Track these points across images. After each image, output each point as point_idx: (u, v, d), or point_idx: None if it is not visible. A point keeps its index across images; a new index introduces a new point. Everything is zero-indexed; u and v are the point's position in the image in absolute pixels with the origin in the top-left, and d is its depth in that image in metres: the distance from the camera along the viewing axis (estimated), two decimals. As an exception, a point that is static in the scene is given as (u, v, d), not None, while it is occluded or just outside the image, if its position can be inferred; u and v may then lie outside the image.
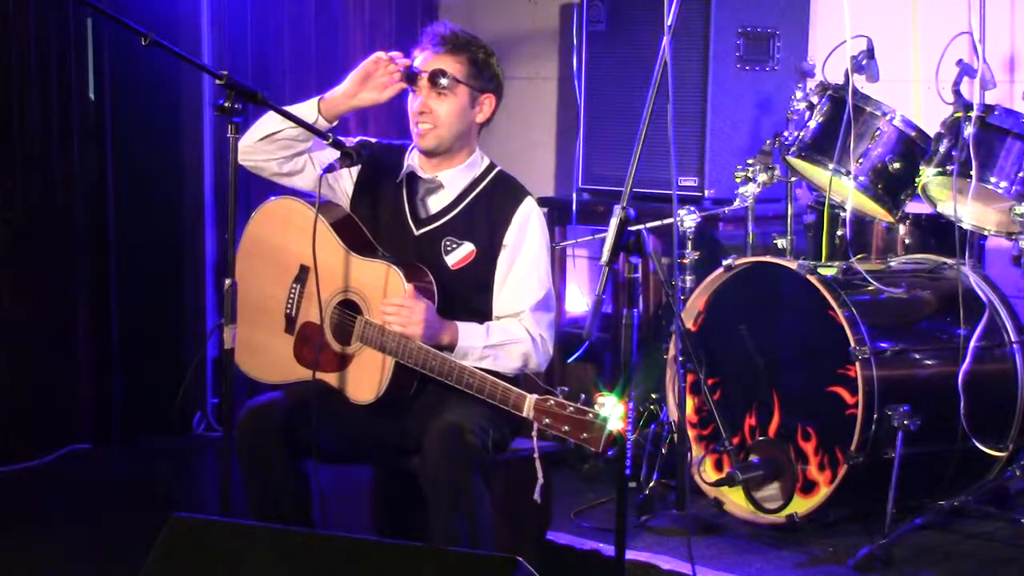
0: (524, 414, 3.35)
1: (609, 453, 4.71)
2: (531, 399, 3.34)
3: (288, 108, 3.68)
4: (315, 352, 3.70)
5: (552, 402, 3.30)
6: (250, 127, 3.72)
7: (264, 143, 3.73)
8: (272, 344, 3.81)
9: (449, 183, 3.77)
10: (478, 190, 3.76)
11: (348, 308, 3.70)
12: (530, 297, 3.69)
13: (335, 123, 3.76)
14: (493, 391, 3.42)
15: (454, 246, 3.73)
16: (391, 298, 3.57)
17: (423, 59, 3.73)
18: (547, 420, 3.30)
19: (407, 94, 3.76)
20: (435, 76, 3.68)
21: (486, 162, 3.83)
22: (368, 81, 3.72)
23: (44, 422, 5.30)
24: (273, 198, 3.90)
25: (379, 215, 3.81)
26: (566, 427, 3.27)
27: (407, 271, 3.62)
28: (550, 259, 3.79)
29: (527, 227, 3.73)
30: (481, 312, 3.71)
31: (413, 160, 3.80)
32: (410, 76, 3.71)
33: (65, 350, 5.40)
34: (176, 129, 5.69)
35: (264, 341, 3.81)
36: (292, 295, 3.82)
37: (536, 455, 3.39)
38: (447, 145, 3.73)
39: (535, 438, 3.36)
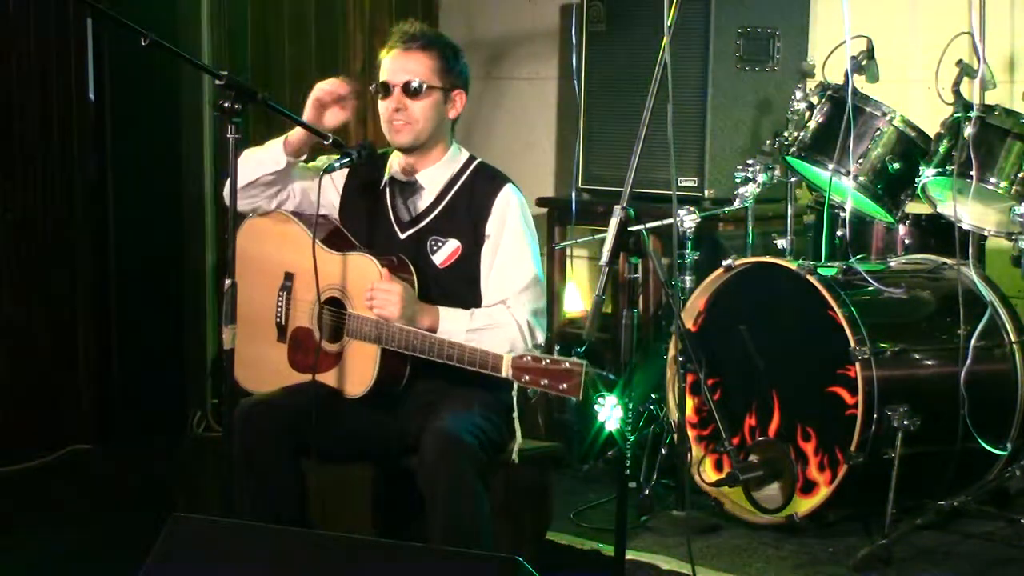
0: (503, 374, 3.36)
1: (609, 454, 4.74)
2: (508, 357, 3.36)
3: (255, 150, 3.76)
4: (309, 356, 3.72)
5: (528, 357, 3.32)
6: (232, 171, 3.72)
7: (247, 190, 3.78)
8: (267, 356, 3.82)
9: (428, 183, 3.79)
10: (458, 185, 3.78)
11: (334, 305, 3.72)
12: (515, 283, 3.70)
13: (303, 156, 3.81)
14: (472, 358, 3.43)
15: (439, 244, 3.75)
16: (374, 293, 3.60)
17: (392, 56, 3.76)
18: (526, 377, 3.32)
19: (376, 99, 3.80)
20: (407, 88, 3.72)
21: (464, 156, 3.85)
22: (326, 108, 3.78)
23: (44, 422, 5.30)
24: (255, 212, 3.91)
25: (365, 222, 3.83)
26: (545, 380, 3.29)
27: (385, 262, 3.65)
28: (535, 245, 3.79)
29: (507, 214, 3.74)
30: (475, 307, 3.71)
31: (393, 164, 3.83)
32: (383, 88, 3.75)
33: (65, 350, 5.40)
34: (176, 129, 5.70)
35: (259, 354, 3.82)
36: (280, 303, 3.85)
37: (515, 414, 3.45)
38: (423, 140, 3.76)
39: (515, 398, 3.41)
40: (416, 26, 3.79)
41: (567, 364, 3.25)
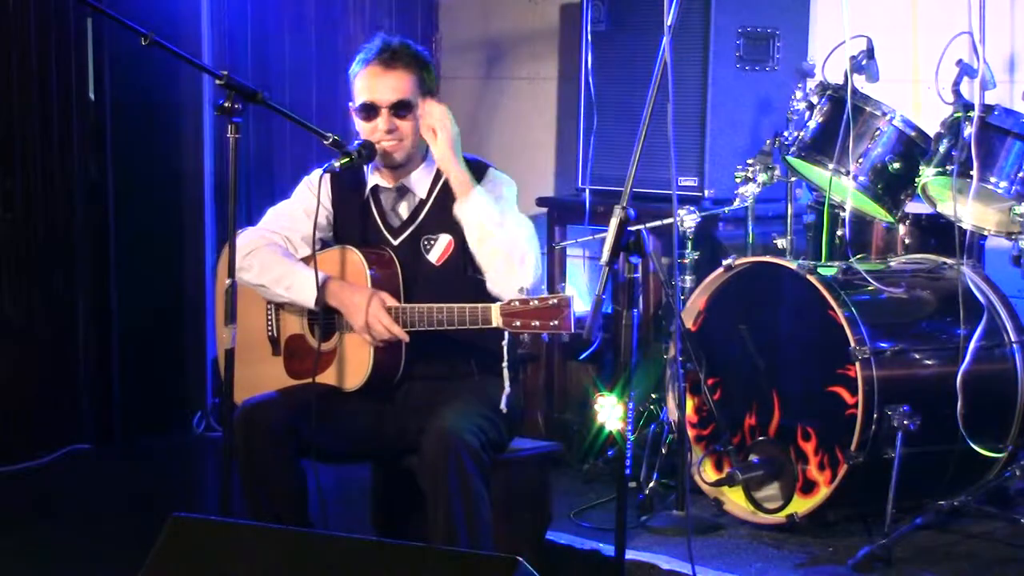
0: (494, 324, 3.39)
1: (609, 454, 4.74)
2: (496, 306, 3.39)
3: (281, 271, 3.71)
4: (306, 361, 3.71)
5: (515, 302, 3.36)
6: (244, 264, 3.71)
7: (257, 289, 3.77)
8: (266, 373, 3.79)
9: (415, 186, 3.79)
10: (443, 180, 3.76)
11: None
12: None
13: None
14: (462, 316, 3.46)
15: (432, 242, 3.75)
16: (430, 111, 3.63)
17: (371, 74, 3.73)
18: (516, 323, 3.35)
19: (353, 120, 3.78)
20: (397, 109, 3.70)
21: None
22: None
23: (44, 422, 5.30)
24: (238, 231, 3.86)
25: (357, 234, 3.81)
26: (535, 322, 3.33)
27: (364, 251, 3.69)
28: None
29: (493, 188, 3.73)
30: (479, 295, 3.66)
31: (374, 174, 3.81)
32: (369, 108, 3.72)
33: (65, 350, 5.40)
34: (176, 129, 5.69)
35: (258, 374, 3.80)
36: (269, 317, 3.84)
37: (504, 364, 3.52)
38: (413, 153, 3.76)
39: (505, 348, 3.47)
40: (393, 41, 3.77)
41: (554, 300, 3.31)
